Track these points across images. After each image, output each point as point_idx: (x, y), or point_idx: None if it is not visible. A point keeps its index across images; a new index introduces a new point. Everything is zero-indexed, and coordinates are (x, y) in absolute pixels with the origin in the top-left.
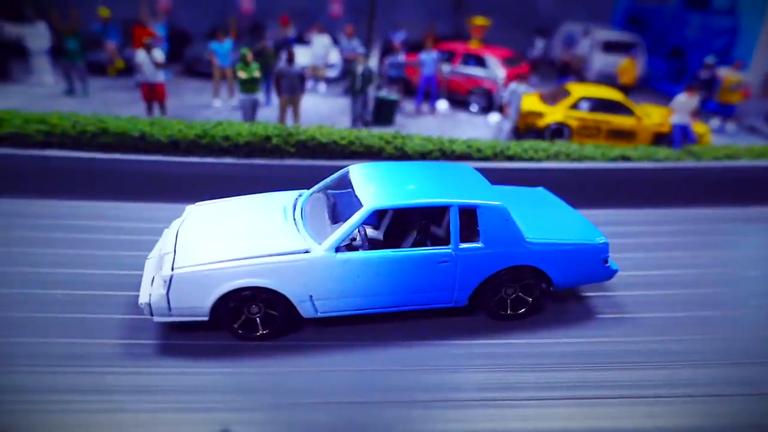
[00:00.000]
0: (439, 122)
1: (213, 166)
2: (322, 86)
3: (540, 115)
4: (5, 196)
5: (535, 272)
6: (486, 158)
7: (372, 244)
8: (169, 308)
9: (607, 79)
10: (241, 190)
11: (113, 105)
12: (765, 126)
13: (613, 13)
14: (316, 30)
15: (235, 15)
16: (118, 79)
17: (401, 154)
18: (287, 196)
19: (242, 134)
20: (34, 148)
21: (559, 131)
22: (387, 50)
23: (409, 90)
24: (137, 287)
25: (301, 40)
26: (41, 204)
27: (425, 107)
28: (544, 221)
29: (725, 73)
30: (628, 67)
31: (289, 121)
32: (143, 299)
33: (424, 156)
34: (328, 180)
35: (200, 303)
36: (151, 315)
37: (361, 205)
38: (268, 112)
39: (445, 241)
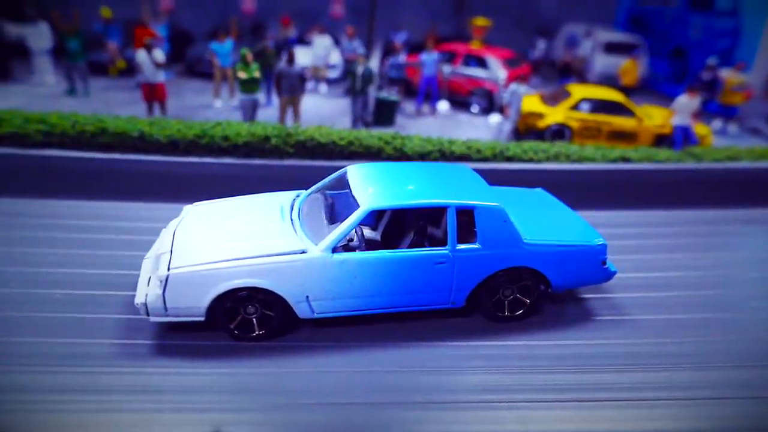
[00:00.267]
0: (439, 123)
1: (212, 166)
2: (323, 87)
3: (541, 116)
4: (5, 195)
5: (532, 274)
6: (485, 159)
7: (369, 244)
8: (166, 308)
9: (609, 80)
10: (240, 190)
11: (114, 105)
12: (767, 127)
13: (615, 14)
14: (317, 30)
15: (237, 15)
16: (120, 80)
17: (400, 155)
18: (285, 197)
19: (241, 134)
20: (33, 147)
21: (559, 132)
22: (388, 51)
23: (409, 91)
24: (135, 287)
25: (302, 40)
26: (40, 203)
27: (426, 108)
28: (542, 222)
29: (727, 75)
30: (630, 68)
31: (290, 122)
32: (139, 299)
33: (423, 157)
34: (325, 180)
35: (196, 303)
36: (148, 315)
37: (358, 206)
38: (269, 112)
39: (443, 242)
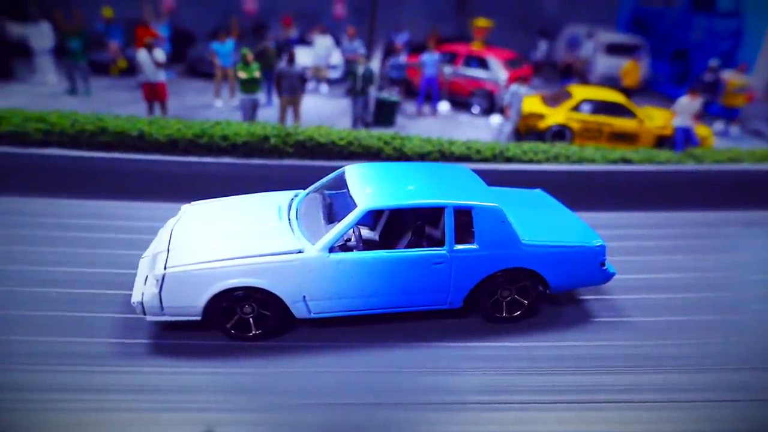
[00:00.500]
0: (440, 123)
1: (211, 165)
2: (323, 87)
3: (541, 117)
4: (4, 194)
5: (531, 274)
6: (485, 160)
7: (368, 244)
8: (162, 307)
9: (611, 81)
10: (239, 189)
11: (115, 104)
12: None
13: (617, 15)
14: (318, 31)
15: (239, 16)
16: (121, 79)
17: (400, 155)
18: (283, 196)
19: (240, 134)
20: (33, 146)
21: (560, 133)
22: (389, 51)
23: (410, 91)
24: (132, 286)
25: (304, 40)
26: (39, 202)
27: (426, 109)
28: (540, 223)
29: (729, 76)
30: (631, 70)
31: (290, 122)
32: (136, 298)
33: (422, 157)
34: (323, 180)
35: (193, 302)
36: (144, 314)
37: (355, 206)
38: (269, 112)
39: (441, 243)
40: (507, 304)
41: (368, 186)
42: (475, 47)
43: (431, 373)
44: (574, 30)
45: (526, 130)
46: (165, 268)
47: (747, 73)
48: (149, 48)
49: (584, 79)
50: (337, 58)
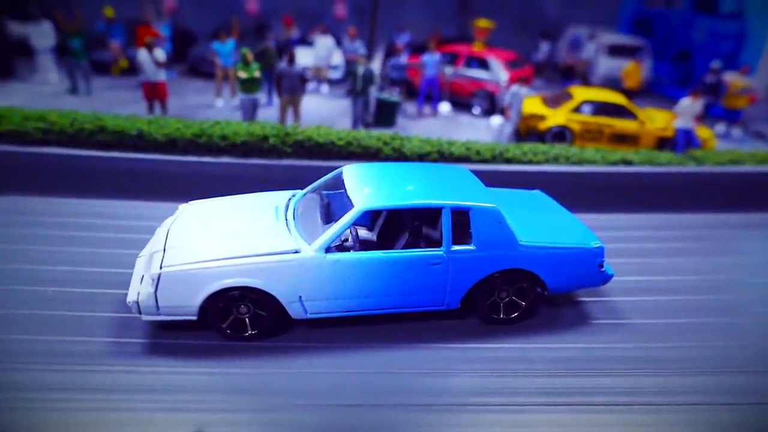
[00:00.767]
0: (440, 124)
1: (210, 165)
2: (324, 87)
3: (542, 118)
4: (3, 192)
5: (528, 276)
6: (485, 161)
7: (365, 245)
8: (157, 307)
9: (613, 83)
10: (238, 189)
11: (116, 104)
12: None
13: (619, 16)
14: (319, 31)
15: (240, 16)
16: (122, 79)
17: (399, 156)
18: (280, 196)
19: (239, 134)
20: (32, 145)
21: (561, 134)
22: (390, 52)
23: (411, 92)
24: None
25: (305, 41)
26: (38, 201)
27: (427, 109)
28: (538, 224)
29: (731, 78)
30: (633, 71)
31: (290, 122)
32: (131, 297)
33: (422, 157)
34: (321, 180)
35: (188, 302)
36: (140, 313)
37: (352, 206)
38: (270, 112)
39: (438, 243)
40: (504, 305)
41: (365, 186)
42: (477, 48)
43: (428, 374)
44: (576, 31)
45: (527, 131)
46: (161, 268)
47: (749, 75)
48: (150, 47)
49: (586, 81)
50: (338, 58)
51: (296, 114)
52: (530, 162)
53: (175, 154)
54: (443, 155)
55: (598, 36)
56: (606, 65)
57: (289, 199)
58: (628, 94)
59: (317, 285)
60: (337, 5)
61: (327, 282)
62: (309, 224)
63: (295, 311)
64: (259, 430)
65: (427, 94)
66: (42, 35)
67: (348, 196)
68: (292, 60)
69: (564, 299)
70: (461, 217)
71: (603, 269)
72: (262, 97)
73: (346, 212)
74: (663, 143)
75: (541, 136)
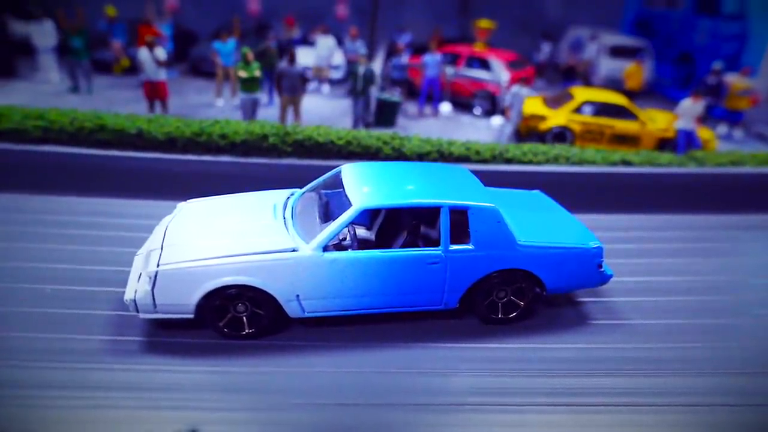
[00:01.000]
0: (441, 124)
1: (210, 164)
2: (325, 87)
3: (542, 118)
4: (3, 191)
5: (527, 276)
6: (484, 161)
7: (364, 244)
8: (154, 305)
9: (614, 83)
10: (237, 188)
11: (117, 103)
12: None
13: (621, 17)
14: (320, 31)
15: (242, 16)
16: (124, 78)
17: (399, 155)
18: (279, 195)
19: (239, 133)
20: (32, 143)
21: (561, 135)
22: (391, 52)
23: (412, 92)
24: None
25: (306, 41)
26: (38, 199)
27: (428, 109)
28: (537, 224)
29: (733, 79)
30: (635, 72)
31: (291, 121)
32: (129, 296)
33: (421, 157)
34: (320, 179)
35: (185, 300)
36: (137, 311)
37: (350, 205)
38: (271, 111)
39: (436, 243)
40: (503, 305)
41: (364, 185)
42: (478, 48)
43: (426, 374)
44: (578, 32)
45: (527, 132)
46: (158, 266)
47: (751, 76)
48: (150, 46)
49: (587, 82)
50: (339, 58)
51: (297, 113)
52: (530, 162)
53: (174, 152)
54: (443, 155)
55: (599, 37)
56: (607, 66)
57: (288, 197)
58: (630, 95)
59: (315, 284)
60: (339, 5)
61: (324, 281)
62: (307, 223)
63: (292, 310)
64: (257, 429)
65: (428, 95)
66: (44, 34)
67: (346, 195)
68: (292, 60)
69: (563, 300)
70: (460, 217)
71: (602, 269)
72: (263, 96)
73: (344, 211)
74: (664, 144)
75: (541, 137)
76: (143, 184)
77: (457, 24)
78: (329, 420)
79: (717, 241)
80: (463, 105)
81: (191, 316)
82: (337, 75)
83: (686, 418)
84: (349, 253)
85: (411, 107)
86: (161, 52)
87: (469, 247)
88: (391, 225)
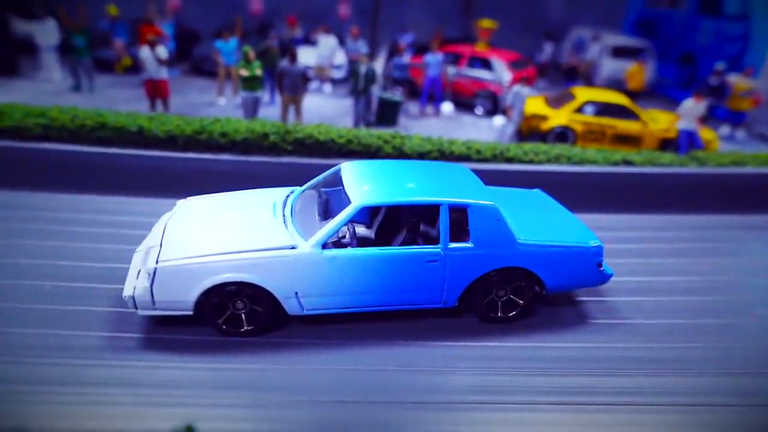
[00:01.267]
0: (443, 124)
1: (210, 162)
2: (327, 87)
3: (544, 118)
4: (3, 187)
5: (526, 274)
6: (485, 160)
7: (363, 242)
8: (153, 301)
9: (617, 84)
10: (237, 186)
11: (118, 101)
12: None
13: (624, 18)
14: (322, 30)
15: (244, 15)
16: (125, 77)
17: (399, 154)
18: (278, 193)
19: (240, 131)
20: (33, 141)
21: (563, 135)
22: (393, 52)
23: (414, 92)
24: None
25: (308, 40)
26: (39, 196)
27: (429, 109)
28: (537, 223)
29: (735, 80)
30: (637, 72)
31: (292, 120)
32: (127, 292)
33: (422, 156)
34: (320, 177)
35: (184, 297)
36: (136, 308)
37: (350, 202)
38: (272, 111)
39: (436, 241)
40: (502, 303)
41: (363, 183)
42: (479, 48)
43: (425, 372)
44: (580, 32)
45: (529, 132)
46: (157, 262)
47: (753, 77)
48: (152, 45)
49: (589, 82)
50: (341, 57)
51: (298, 112)
52: (531, 162)
53: (175, 150)
54: (444, 154)
55: (602, 37)
56: (610, 66)
57: (287, 195)
58: (632, 95)
59: (313, 281)
60: (341, 5)
61: (323, 278)
62: (306, 220)
63: (291, 307)
64: (254, 426)
65: (430, 94)
66: (46, 33)
67: (345, 193)
68: (293, 59)
69: (563, 299)
70: (459, 215)
71: (602, 269)
72: (264, 95)
73: (343, 209)
74: (666, 144)
75: (543, 137)
76: (144, 181)
77: (460, 24)
78: (328, 417)
79: (718, 242)
80: (464, 105)
81: (190, 312)
82: (338, 74)
83: (687, 418)
84: (348, 251)
85: (412, 107)
86: (162, 51)
87: (469, 245)
88: (391, 223)
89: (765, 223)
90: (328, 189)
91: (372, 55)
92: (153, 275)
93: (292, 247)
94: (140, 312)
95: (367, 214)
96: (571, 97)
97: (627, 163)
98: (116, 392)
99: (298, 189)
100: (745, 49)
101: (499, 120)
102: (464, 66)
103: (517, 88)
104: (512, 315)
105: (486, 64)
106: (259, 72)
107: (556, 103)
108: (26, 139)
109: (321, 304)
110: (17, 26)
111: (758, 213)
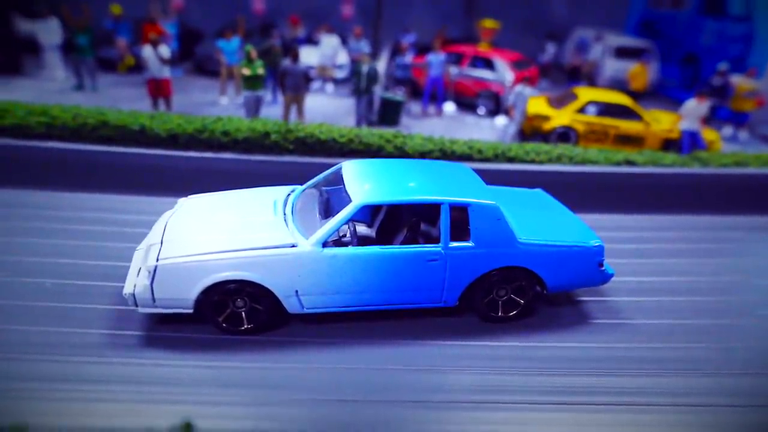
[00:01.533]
0: (445, 124)
1: (211, 160)
2: (329, 86)
3: (546, 118)
4: (5, 186)
5: (527, 274)
6: (487, 159)
7: (364, 241)
8: (153, 299)
9: (619, 84)
10: (238, 185)
11: (120, 100)
12: None
13: (626, 19)
14: (324, 30)
15: (247, 15)
16: (128, 76)
17: (401, 153)
18: (279, 191)
19: (241, 130)
20: (34, 139)
21: (565, 135)
22: (396, 51)
23: (416, 92)
24: None
25: (311, 40)
26: (40, 195)
27: (431, 109)
28: (538, 222)
29: (738, 81)
30: (639, 73)
31: (294, 120)
32: (128, 289)
33: (424, 155)
34: (321, 176)
35: (184, 295)
36: (136, 306)
37: (350, 201)
38: (275, 110)
39: (436, 240)
40: (503, 303)
41: (364, 182)
42: (482, 48)
43: (425, 371)
44: (583, 33)
45: (531, 132)
46: (157, 260)
47: (757, 78)
48: (154, 44)
49: (592, 82)
50: (343, 57)
51: (300, 112)
52: (533, 161)
53: (176, 149)
54: (445, 154)
55: (604, 38)
56: (612, 67)
57: (288, 194)
58: (635, 95)
59: (314, 279)
60: (344, 5)
61: (323, 277)
62: (307, 219)
63: (291, 306)
64: (254, 424)
65: (432, 94)
66: (49, 32)
67: (346, 192)
68: (295, 58)
69: (564, 299)
70: (460, 214)
71: (603, 268)
72: (266, 94)
73: (344, 207)
74: (668, 145)
75: (545, 137)
76: (145, 180)
77: (463, 24)
78: (328, 416)
79: (721, 242)
80: (466, 105)
81: (190, 311)
82: (341, 74)
83: (688, 419)
84: (349, 249)
85: (415, 107)
86: (165, 50)
87: (470, 244)
88: (392, 222)
89: (767, 223)
90: (329, 188)
91: (374, 55)
92: (153, 273)
93: (293, 246)
94: (141, 310)
95: (368, 213)
96: (573, 97)
97: (629, 163)
98: (117, 389)
99: (299, 188)
100: (748, 49)
101: (501, 120)
102: (466, 66)
103: (519, 88)
104: (513, 314)
105: (488, 64)
106: (261, 71)
107: (558, 103)
108: (28, 138)
109: (321, 302)
110: (21, 25)
111: (761, 214)
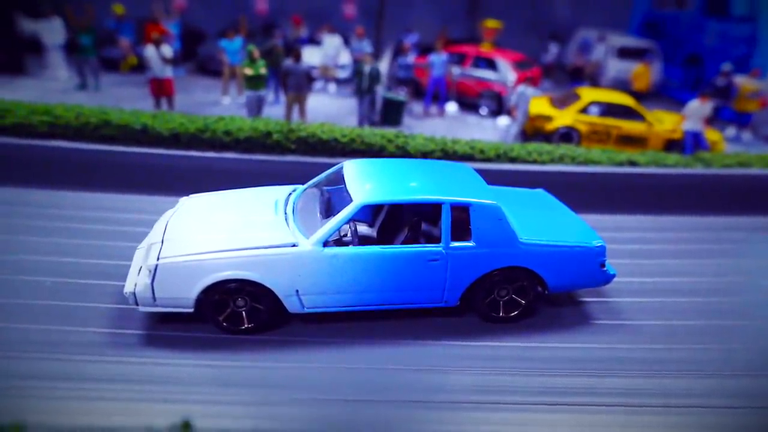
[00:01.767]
0: (447, 124)
1: (213, 160)
2: (332, 86)
3: (549, 118)
4: (8, 184)
5: (528, 274)
6: (489, 159)
7: (365, 241)
8: (154, 298)
9: (622, 85)
10: (240, 184)
11: (123, 100)
12: None
13: (629, 19)
14: (326, 30)
15: (249, 14)
16: (131, 76)
17: (403, 153)
18: (280, 191)
19: (243, 129)
20: (37, 138)
21: (567, 135)
22: (398, 52)
23: (418, 92)
24: None
25: (313, 40)
26: (42, 193)
27: (434, 109)
28: (540, 222)
29: (742, 81)
30: (642, 73)
31: (296, 119)
32: (129, 288)
33: (426, 155)
34: (322, 176)
35: (185, 294)
36: (136, 304)
37: (351, 200)
38: (277, 110)
39: (438, 240)
40: (504, 303)
41: (365, 181)
42: (484, 48)
43: (425, 371)
44: (586, 34)
45: (533, 132)
46: (158, 259)
47: (760, 79)
48: (157, 44)
49: (595, 83)
50: (345, 57)
51: (302, 112)
52: (535, 162)
53: (178, 148)
54: (447, 153)
55: (607, 38)
56: (615, 67)
57: (290, 193)
58: (637, 96)
59: (314, 279)
60: (346, 5)
61: (324, 276)
62: (308, 219)
63: (291, 305)
64: (254, 424)
65: (434, 94)
66: (52, 32)
67: (347, 191)
68: (298, 58)
69: (565, 299)
70: (461, 214)
71: (605, 269)
72: (269, 94)
73: (345, 207)
74: (671, 145)
75: (547, 137)
76: (147, 179)
77: (465, 24)
78: (328, 416)
79: (723, 243)
80: (469, 105)
81: (191, 310)
82: (343, 74)
83: (688, 420)
84: (349, 249)
85: (417, 107)
86: (167, 50)
87: (471, 244)
88: (393, 222)
89: None
90: (330, 187)
91: (376, 55)
92: (154, 272)
93: (294, 245)
94: (141, 308)
95: (369, 213)
96: (576, 97)
97: (631, 163)
98: (116, 388)
99: (300, 187)
100: (751, 50)
101: (503, 120)
102: (469, 66)
103: (521, 88)
104: (514, 315)
105: (491, 65)
106: (263, 71)
107: (560, 103)
108: (31, 137)
109: (322, 302)
110: (24, 25)
111: (763, 214)
